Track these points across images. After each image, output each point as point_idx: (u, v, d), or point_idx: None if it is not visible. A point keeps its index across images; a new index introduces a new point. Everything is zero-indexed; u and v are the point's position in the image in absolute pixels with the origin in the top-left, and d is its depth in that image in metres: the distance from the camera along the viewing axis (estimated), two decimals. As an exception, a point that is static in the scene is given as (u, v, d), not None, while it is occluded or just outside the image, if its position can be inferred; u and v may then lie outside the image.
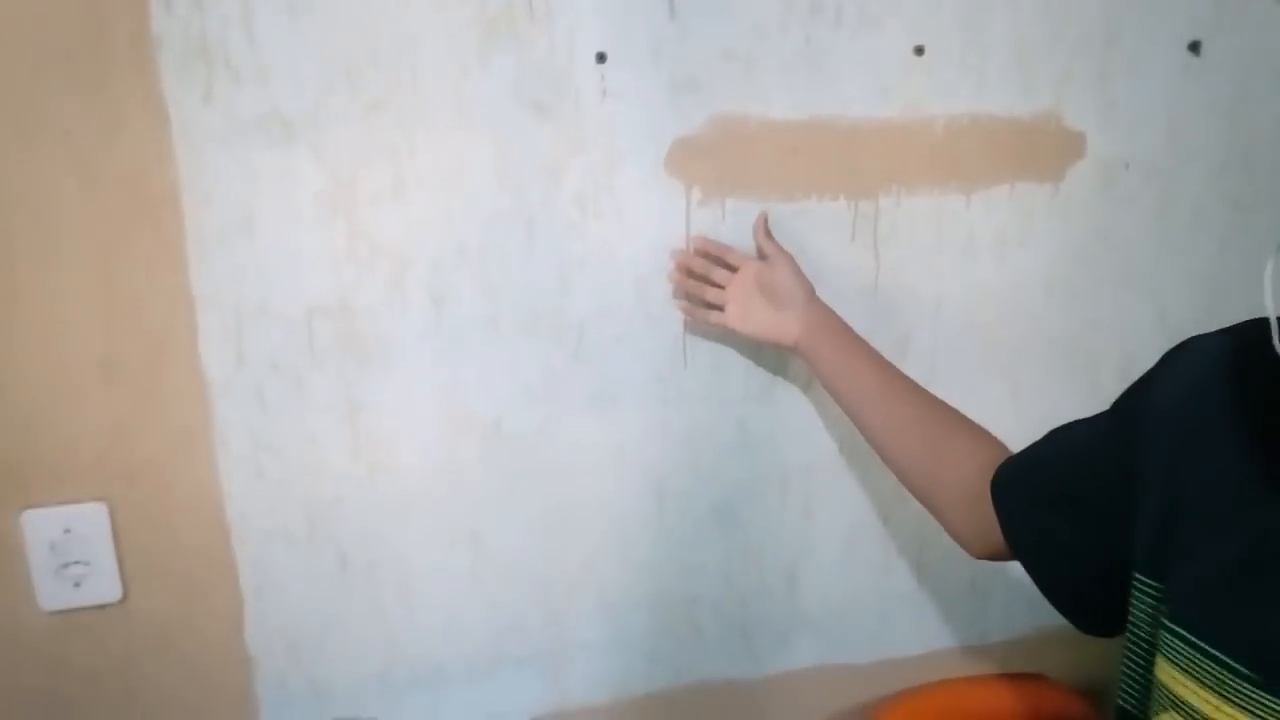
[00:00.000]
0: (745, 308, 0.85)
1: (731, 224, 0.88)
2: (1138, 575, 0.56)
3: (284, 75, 0.74)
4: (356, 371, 0.82)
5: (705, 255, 0.87)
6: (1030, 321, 0.99)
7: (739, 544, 0.98)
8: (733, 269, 0.87)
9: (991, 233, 0.96)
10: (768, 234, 0.87)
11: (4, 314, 0.73)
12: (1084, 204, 0.97)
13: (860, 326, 0.93)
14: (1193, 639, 0.49)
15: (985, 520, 0.69)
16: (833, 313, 0.85)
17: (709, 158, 0.86)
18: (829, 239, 0.91)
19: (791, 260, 0.85)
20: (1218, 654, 0.47)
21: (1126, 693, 0.57)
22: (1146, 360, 1.02)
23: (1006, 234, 0.96)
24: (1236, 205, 1.01)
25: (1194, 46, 0.94)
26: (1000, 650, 1.09)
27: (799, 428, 0.96)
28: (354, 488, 0.85)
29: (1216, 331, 0.56)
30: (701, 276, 0.87)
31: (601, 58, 0.81)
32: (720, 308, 0.86)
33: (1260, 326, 0.51)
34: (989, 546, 0.71)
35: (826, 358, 0.83)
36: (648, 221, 0.86)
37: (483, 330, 0.85)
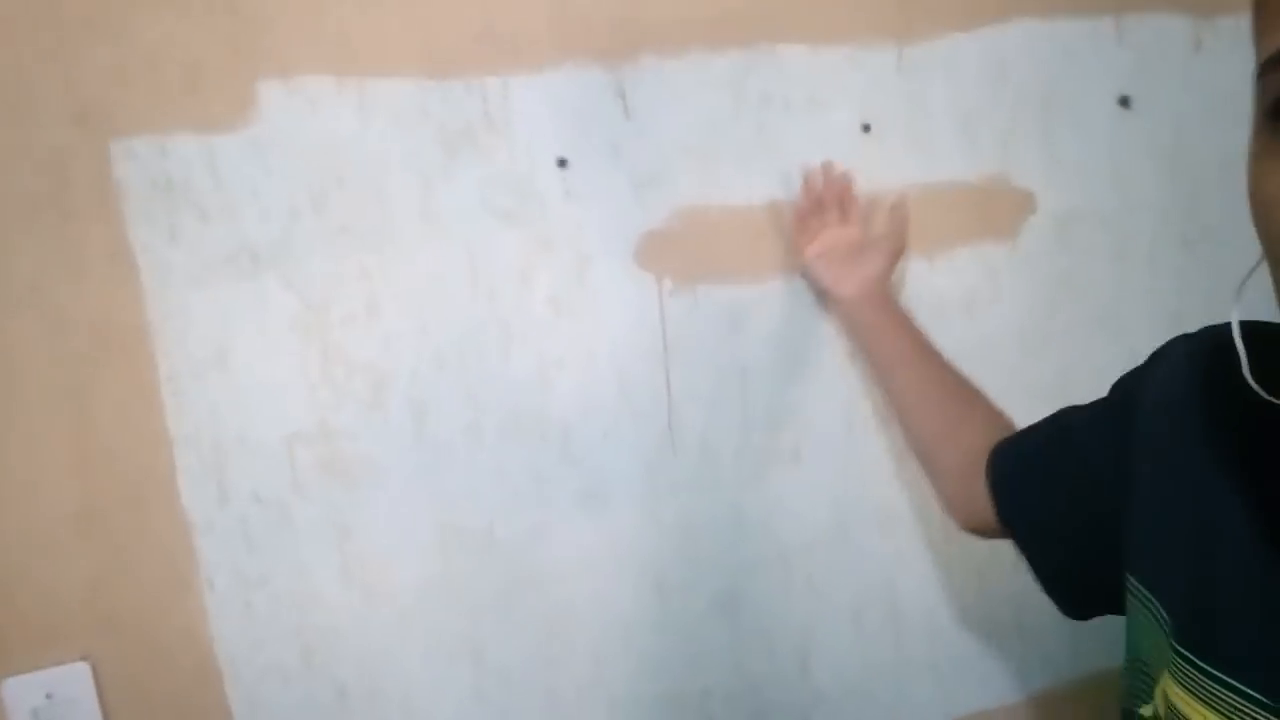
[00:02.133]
0: (828, 253, 0.88)
1: (704, 310, 0.89)
2: (1130, 577, 0.56)
3: (250, 208, 0.75)
4: (342, 496, 0.81)
5: (838, 193, 0.89)
6: (1008, 374, 1.00)
7: (746, 630, 0.96)
8: (845, 219, 0.89)
9: (959, 293, 0.97)
10: (902, 217, 0.89)
11: (-26, 474, 0.71)
12: (1042, 257, 1.00)
13: (844, 396, 0.94)
14: (1203, 664, 0.48)
15: (979, 494, 0.71)
16: (892, 295, 0.88)
17: (677, 248, 0.87)
18: (802, 317, 0.92)
19: (899, 245, 0.88)
20: (1231, 680, 0.46)
21: (1134, 696, 0.56)
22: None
23: (973, 293, 0.98)
24: (1186, 243, 1.04)
25: (1124, 101, 0.98)
26: (1021, 711, 1.07)
27: (795, 506, 0.95)
28: (348, 614, 0.82)
29: (1209, 328, 0.58)
30: (813, 207, 0.88)
31: (563, 162, 0.82)
32: (815, 236, 0.89)
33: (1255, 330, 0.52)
34: (978, 520, 0.73)
35: (867, 322, 0.86)
36: (622, 315, 0.87)
37: (467, 438, 0.84)
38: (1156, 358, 0.60)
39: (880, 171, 0.92)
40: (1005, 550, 0.96)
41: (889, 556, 0.99)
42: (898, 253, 0.88)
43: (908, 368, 0.83)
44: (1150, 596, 0.54)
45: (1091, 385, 1.03)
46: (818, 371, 0.91)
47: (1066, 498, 0.63)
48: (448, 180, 0.79)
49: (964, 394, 0.81)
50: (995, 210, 0.97)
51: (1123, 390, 0.62)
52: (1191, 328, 1.05)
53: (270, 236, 0.76)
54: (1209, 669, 0.48)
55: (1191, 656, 0.49)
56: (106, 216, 0.71)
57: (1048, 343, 1.02)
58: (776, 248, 0.90)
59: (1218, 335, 0.55)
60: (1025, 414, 1.01)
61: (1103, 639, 1.03)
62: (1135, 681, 0.56)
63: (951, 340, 0.97)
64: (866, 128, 0.91)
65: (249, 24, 0.72)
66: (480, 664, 0.87)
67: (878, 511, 0.98)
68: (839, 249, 0.88)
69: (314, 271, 0.77)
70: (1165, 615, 0.52)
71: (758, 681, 0.97)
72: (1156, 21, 0.97)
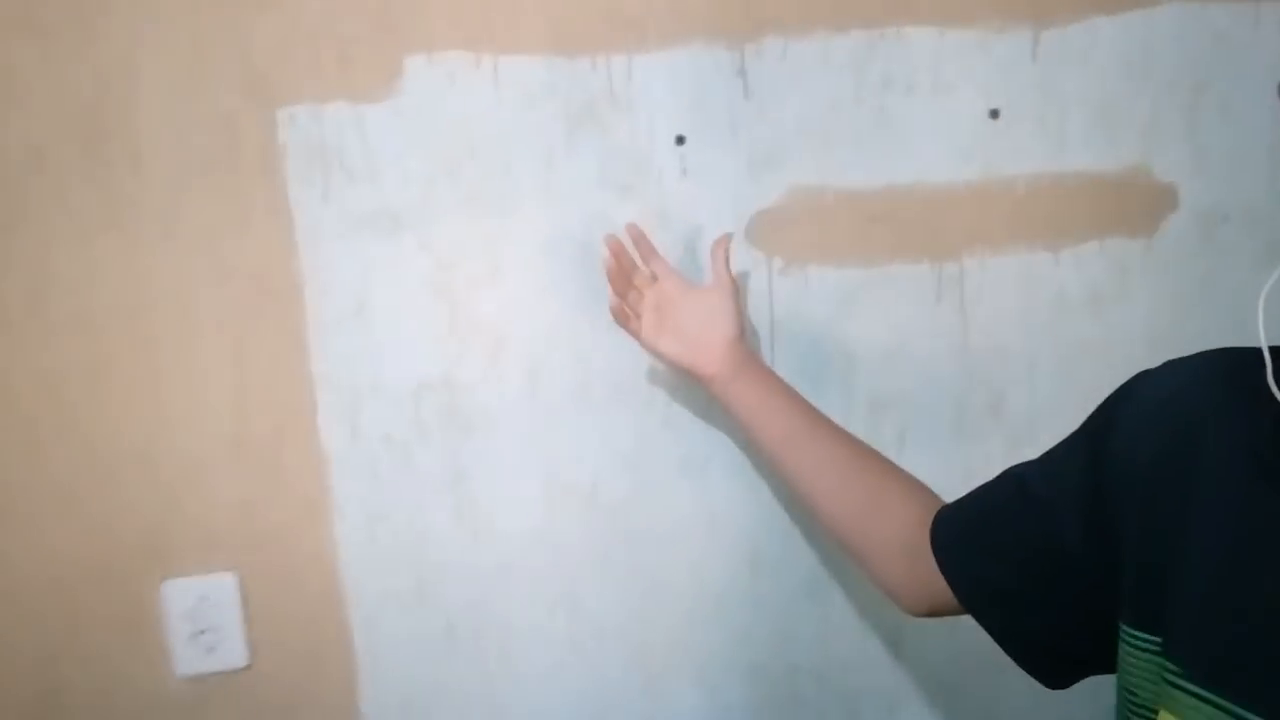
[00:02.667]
0: (659, 325, 0.80)
1: (814, 290, 0.90)
2: (1126, 628, 0.53)
3: (392, 173, 0.82)
4: (460, 442, 0.87)
5: (636, 247, 0.82)
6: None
7: (837, 611, 0.97)
8: (655, 276, 0.82)
9: (1084, 290, 0.94)
10: (725, 256, 0.81)
11: (146, 397, 0.81)
12: (1182, 257, 0.95)
13: (951, 386, 0.94)
14: (1209, 695, 0.46)
15: (924, 574, 0.65)
16: (757, 356, 0.84)
17: (789, 229, 0.89)
18: (914, 302, 0.92)
19: (734, 291, 0.81)
20: (1238, 710, 0.45)
21: None
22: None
23: (1100, 290, 0.95)
24: (1349, 249, 0.97)
25: (1286, 91, 0.92)
26: None
27: (893, 491, 0.95)
28: (459, 554, 0.89)
29: (1170, 364, 0.55)
30: (623, 274, 0.81)
31: (681, 140, 0.85)
32: (637, 315, 0.81)
33: (1230, 358, 0.50)
34: (929, 601, 0.68)
35: (747, 396, 0.78)
36: (732, 291, 0.89)
37: (576, 401, 0.89)
38: (1124, 397, 0.57)
39: (1006, 159, 0.90)
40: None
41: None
42: (735, 296, 0.80)
43: (805, 444, 0.75)
44: (1150, 639, 0.51)
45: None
46: (926, 360, 0.90)
47: (1034, 558, 0.58)
48: (570, 154, 0.84)
49: (874, 465, 0.75)
50: (1132, 204, 0.93)
51: (1088, 444, 0.58)
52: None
53: (409, 200, 0.82)
54: (1231, 705, 0.45)
55: (1209, 692, 0.46)
56: (270, 176, 0.80)
57: (1180, 348, 0.96)
58: (889, 232, 0.90)
59: (1209, 360, 0.54)
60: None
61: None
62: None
63: (1070, 339, 0.95)
64: (995, 113, 0.89)
65: (397, 2, 0.78)
66: (576, 615, 0.93)
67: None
68: (668, 318, 0.80)
69: (446, 234, 0.84)
70: (1168, 657, 0.49)
71: (847, 663, 0.98)
72: (1326, 7, 0.90)
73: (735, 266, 0.88)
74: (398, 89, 0.81)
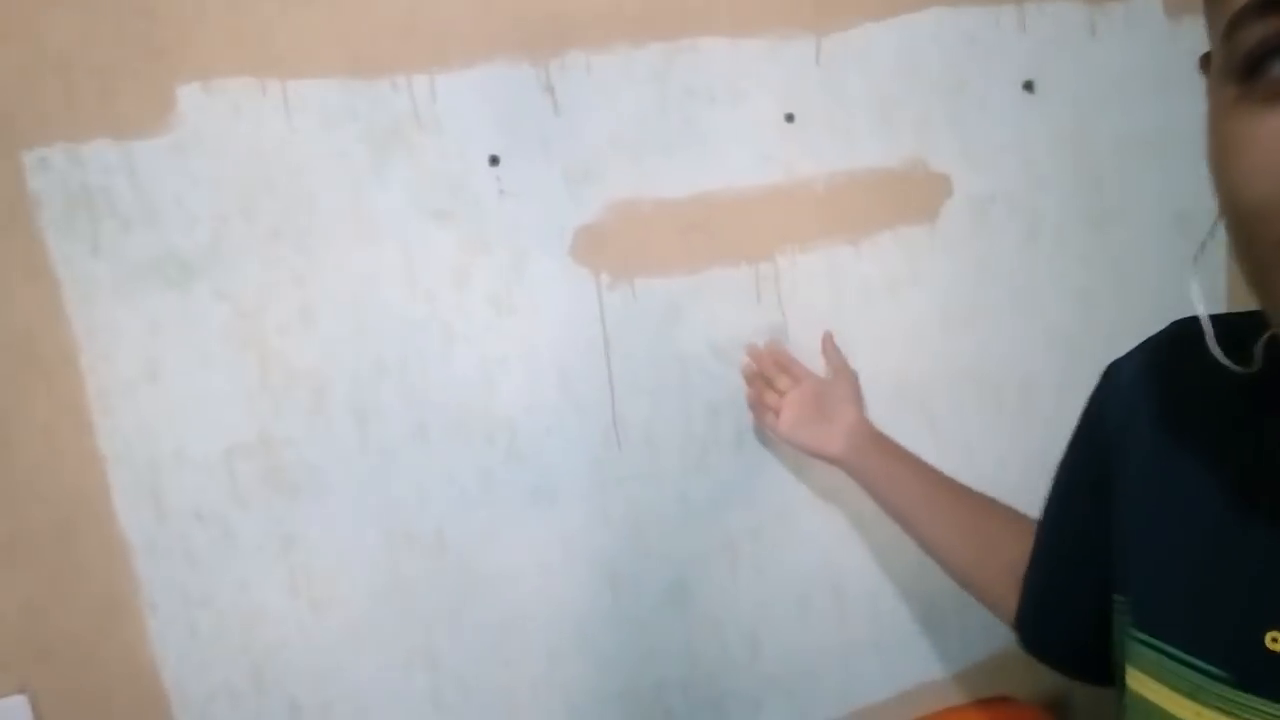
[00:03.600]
0: (798, 418, 0.90)
1: (643, 303, 0.90)
2: (1115, 595, 0.55)
3: (175, 215, 0.73)
4: (285, 507, 0.79)
5: (774, 362, 0.93)
6: (933, 356, 1.04)
7: (698, 619, 0.97)
8: (796, 379, 0.92)
9: (883, 277, 1.00)
10: (836, 350, 0.94)
11: (-110, 506, 0.67)
12: (960, 239, 1.03)
13: (780, 382, 0.96)
14: (1164, 646, 0.48)
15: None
16: (879, 431, 0.89)
17: (612, 243, 0.88)
18: (737, 304, 0.94)
19: (853, 380, 0.93)
20: (1190, 659, 0.47)
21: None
22: (1044, 378, 1.09)
23: (896, 276, 1.01)
24: (1091, 222, 1.09)
25: (1028, 85, 1.03)
26: (965, 678, 1.11)
27: (740, 493, 0.97)
28: (296, 628, 0.80)
29: (1136, 349, 0.58)
30: (766, 381, 0.93)
31: (495, 160, 0.82)
32: (776, 411, 0.92)
33: (1183, 328, 0.53)
34: None
35: (871, 471, 0.86)
36: (562, 311, 0.87)
37: (411, 442, 0.83)
38: (1101, 389, 0.60)
39: (804, 161, 0.94)
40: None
41: (830, 540, 1.01)
42: (855, 384, 0.92)
43: (926, 508, 0.81)
44: (1123, 599, 0.53)
45: (1009, 364, 1.09)
46: (755, 357, 0.92)
47: (1086, 580, 0.59)
48: (379, 181, 0.79)
49: (983, 513, 0.79)
50: (915, 194, 1.00)
51: (1085, 438, 0.61)
52: (1099, 306, 1.12)
53: (198, 244, 0.74)
54: (1171, 649, 0.48)
55: (1153, 639, 0.49)
56: (22, 230, 0.69)
57: (967, 323, 1.05)
58: (707, 238, 0.92)
59: (1163, 337, 0.56)
60: (949, 394, 1.05)
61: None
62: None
63: (876, 324, 1.01)
64: (790, 118, 0.93)
65: (165, 25, 0.70)
66: (435, 670, 0.86)
67: (818, 492, 1.00)
68: (806, 411, 0.90)
69: (246, 278, 0.76)
70: (1130, 612, 0.52)
71: (711, 670, 0.98)
72: (1054, 8, 1.02)
73: (562, 286, 0.87)
74: (171, 122, 0.72)
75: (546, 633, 0.90)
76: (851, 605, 1.04)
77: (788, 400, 0.91)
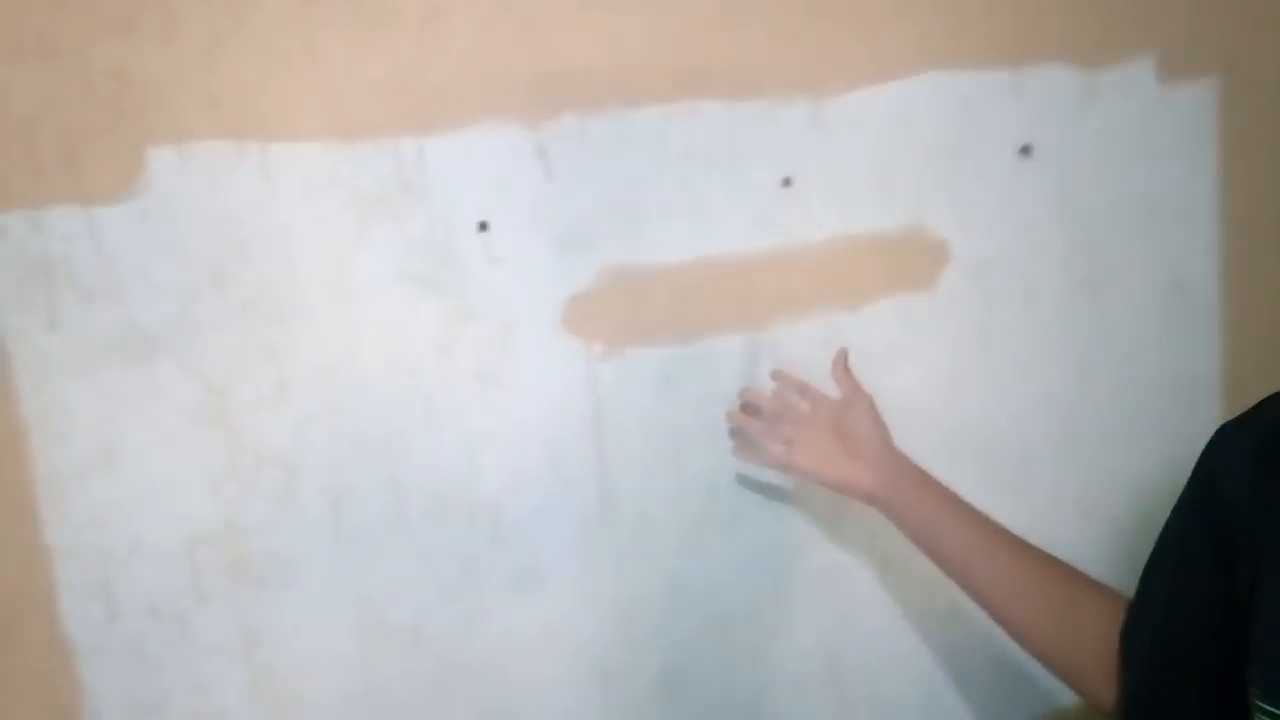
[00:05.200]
0: (815, 450, 0.79)
1: (636, 373, 0.85)
2: (1248, 668, 0.52)
3: (140, 286, 0.67)
4: (250, 599, 0.73)
5: (783, 389, 0.84)
6: (930, 426, 1.01)
7: (691, 710, 0.91)
8: (814, 403, 0.83)
9: (881, 345, 0.97)
10: (848, 371, 0.82)
11: None
12: (960, 305, 1.01)
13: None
14: (1272, 710, 0.47)
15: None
16: (912, 461, 0.79)
17: (605, 311, 0.84)
18: (733, 374, 0.90)
19: (872, 402, 0.81)
20: None
21: None
22: (1043, 448, 1.05)
23: (895, 344, 0.98)
24: (1086, 288, 1.07)
25: (1025, 149, 1.01)
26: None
27: (736, 572, 0.92)
28: (260, 735, 0.74)
29: (1245, 414, 0.55)
30: (774, 413, 0.83)
31: (484, 226, 0.78)
32: (788, 442, 0.81)
33: None
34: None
35: (913, 510, 0.76)
36: (551, 383, 0.82)
37: (388, 526, 0.77)
38: (1215, 454, 0.56)
39: (802, 226, 0.91)
40: (944, 599, 0.95)
41: (828, 618, 0.96)
42: (870, 401, 0.82)
43: (988, 565, 0.71)
44: (1256, 672, 0.50)
45: (1008, 435, 1.06)
46: (753, 430, 0.88)
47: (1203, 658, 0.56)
48: (361, 249, 0.74)
49: (1061, 577, 0.69)
50: (914, 260, 0.98)
51: (1198, 509, 0.57)
52: (1097, 374, 1.09)
53: (164, 316, 0.68)
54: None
55: (1269, 706, 0.48)
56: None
57: (967, 391, 1.02)
58: (702, 306, 0.88)
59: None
60: (947, 466, 1.01)
61: (1045, 687, 1.03)
62: None
63: (878, 389, 0.97)
64: (787, 182, 0.90)
65: (137, 86, 0.65)
66: (411, 774, 0.80)
67: (815, 571, 0.95)
68: (825, 440, 0.80)
69: (215, 353, 0.70)
70: (1255, 684, 0.50)
71: (707, 761, 0.92)
72: (1049, 73, 1.01)
73: (551, 357, 0.82)
74: (140, 187, 0.67)
75: (532, 728, 0.84)
76: (850, 691, 0.99)
77: (800, 430, 0.80)
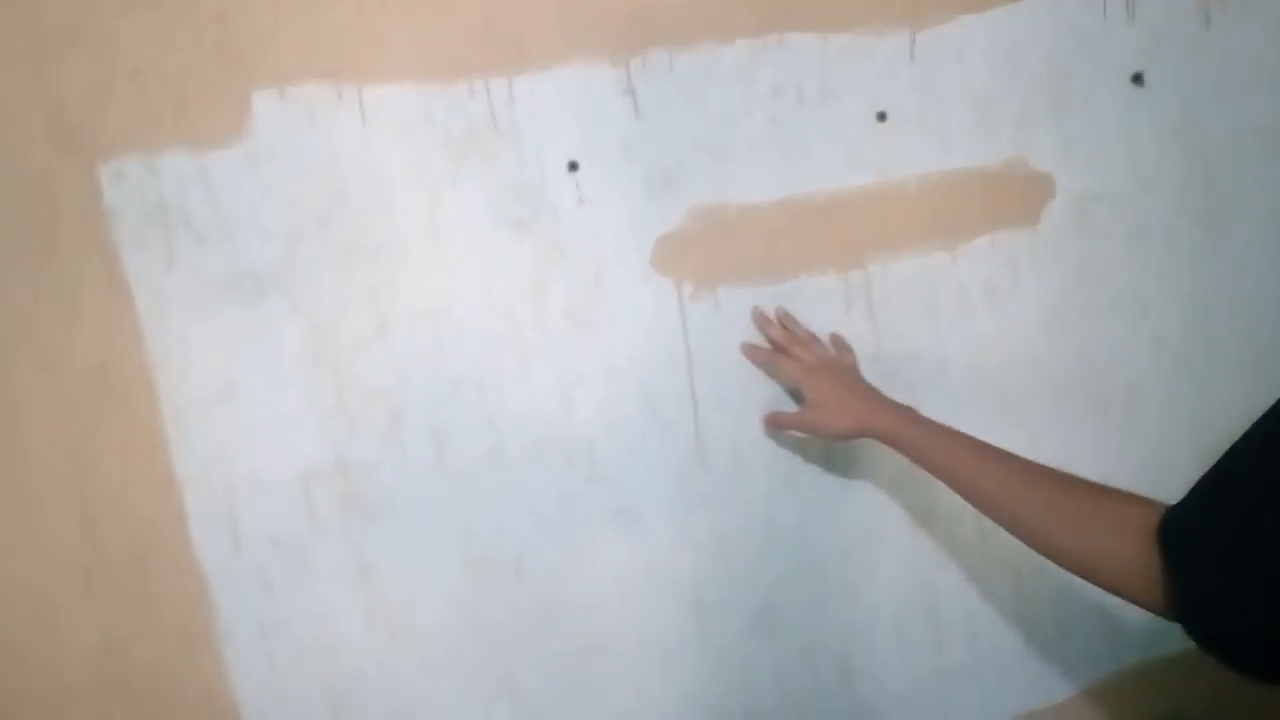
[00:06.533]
0: (841, 400, 0.81)
1: (727, 314, 0.85)
2: None
3: (249, 229, 0.70)
4: (362, 531, 0.76)
5: (785, 328, 0.86)
6: (1034, 365, 0.98)
7: (786, 646, 0.92)
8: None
9: (980, 284, 0.94)
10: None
11: (-34, 532, 0.65)
12: (1063, 242, 0.97)
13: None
14: None
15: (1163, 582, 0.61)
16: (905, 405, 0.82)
17: (695, 251, 0.83)
18: (825, 314, 0.89)
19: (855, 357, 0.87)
20: None
21: None
22: (1150, 386, 1.01)
23: (995, 283, 0.95)
24: (1201, 222, 1.02)
25: (1137, 78, 0.96)
26: (1068, 708, 1.04)
27: (828, 515, 0.91)
28: (375, 659, 0.77)
29: None
30: (793, 339, 0.85)
31: (573, 166, 0.79)
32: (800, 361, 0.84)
33: None
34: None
35: (930, 442, 0.78)
36: (642, 324, 0.83)
37: (489, 465, 0.80)
38: None
39: (896, 161, 0.89)
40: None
41: (923, 563, 0.95)
42: (853, 357, 0.88)
43: (1005, 478, 0.72)
44: None
45: (1113, 372, 1.02)
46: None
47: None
48: (455, 191, 0.75)
49: (1082, 488, 0.70)
50: (1015, 196, 0.94)
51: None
52: (1209, 311, 1.04)
53: (273, 258, 0.71)
54: None
55: None
56: (98, 246, 0.67)
57: (1069, 329, 0.99)
58: (794, 245, 0.87)
59: None
60: (1050, 404, 0.99)
61: (1141, 632, 1.00)
62: None
63: (974, 334, 0.95)
64: (882, 116, 0.88)
65: (240, 31, 0.67)
66: (516, 702, 0.83)
67: (910, 513, 0.94)
68: (839, 384, 0.83)
69: (320, 294, 0.73)
70: None
71: (801, 698, 0.93)
72: (1165, -4, 0.95)
73: (642, 297, 0.82)
74: (247, 131, 0.69)
75: (629, 663, 0.86)
76: (948, 630, 0.98)
77: (819, 385, 0.82)
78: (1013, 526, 0.72)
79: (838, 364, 0.85)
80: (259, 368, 0.72)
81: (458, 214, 0.76)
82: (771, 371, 0.87)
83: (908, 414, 0.80)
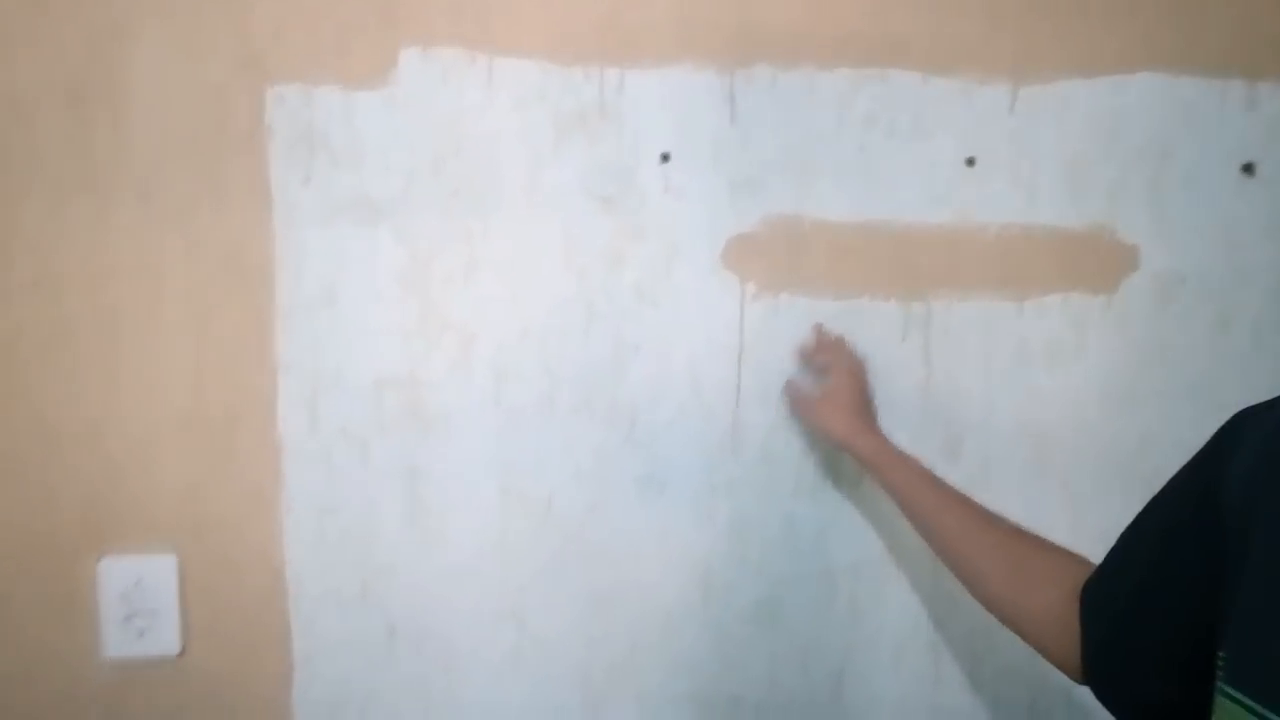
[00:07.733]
0: (852, 404, 0.87)
1: (784, 318, 0.91)
2: (1230, 688, 0.51)
3: (375, 163, 0.82)
4: (418, 441, 0.86)
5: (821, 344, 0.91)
6: (1086, 432, 0.99)
7: (784, 643, 0.96)
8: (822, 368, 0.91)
9: (1044, 341, 0.96)
10: (839, 342, 0.91)
11: (102, 367, 0.79)
12: (1139, 317, 0.98)
13: (911, 426, 0.94)
14: (1255, 705, 0.46)
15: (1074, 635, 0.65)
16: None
17: (764, 254, 0.90)
18: (880, 338, 0.93)
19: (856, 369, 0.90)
20: (1262, 710, 0.45)
21: None
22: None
23: (1059, 343, 0.97)
24: (1295, 324, 1.00)
25: (1248, 168, 0.96)
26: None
27: (847, 526, 0.96)
28: (407, 555, 0.87)
29: (1264, 404, 0.54)
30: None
31: (666, 158, 0.87)
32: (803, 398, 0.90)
33: None
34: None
35: (901, 468, 0.84)
36: (702, 312, 0.90)
37: (539, 409, 0.88)
38: (1228, 435, 0.55)
39: (978, 207, 0.93)
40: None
41: (936, 597, 0.98)
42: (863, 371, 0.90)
43: (957, 518, 0.79)
44: (1224, 657, 0.50)
45: (1174, 457, 1.00)
46: (887, 397, 0.91)
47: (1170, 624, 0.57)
48: (556, 161, 0.85)
49: (1032, 544, 0.75)
50: (1094, 262, 0.96)
51: (1198, 479, 0.57)
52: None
53: (390, 190, 0.82)
54: (1263, 710, 0.46)
55: (1244, 698, 0.47)
56: (253, 154, 0.80)
57: (1132, 406, 0.99)
58: (861, 266, 0.92)
59: None
60: (1097, 475, 0.99)
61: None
62: None
63: (1028, 388, 0.97)
64: (970, 161, 0.92)
65: (399, -4, 0.79)
66: (522, 629, 0.91)
67: (930, 551, 0.97)
68: (844, 394, 0.88)
69: (423, 228, 0.84)
70: (1224, 667, 0.49)
71: (789, 699, 0.97)
72: (1289, 91, 0.95)
73: (707, 287, 0.90)
74: (391, 79, 0.81)
75: (632, 619, 0.93)
76: (948, 669, 1.00)
77: (835, 387, 0.88)
78: (956, 566, 0.78)
79: (866, 381, 0.90)
80: (360, 282, 0.83)
81: (554, 182, 0.85)
82: (820, 347, 0.91)
83: (886, 440, 0.86)
